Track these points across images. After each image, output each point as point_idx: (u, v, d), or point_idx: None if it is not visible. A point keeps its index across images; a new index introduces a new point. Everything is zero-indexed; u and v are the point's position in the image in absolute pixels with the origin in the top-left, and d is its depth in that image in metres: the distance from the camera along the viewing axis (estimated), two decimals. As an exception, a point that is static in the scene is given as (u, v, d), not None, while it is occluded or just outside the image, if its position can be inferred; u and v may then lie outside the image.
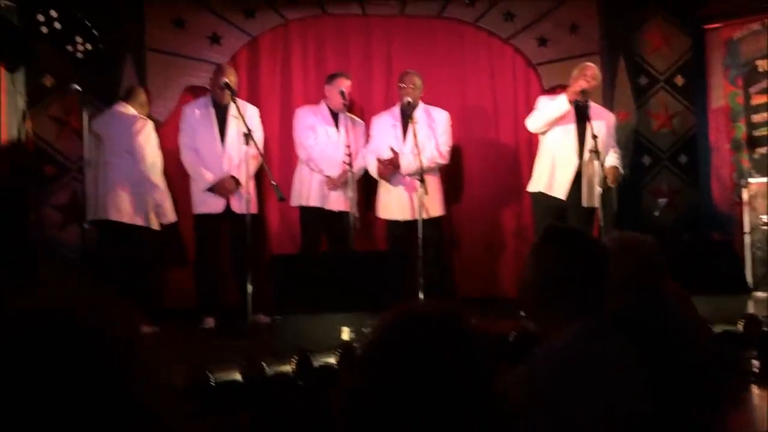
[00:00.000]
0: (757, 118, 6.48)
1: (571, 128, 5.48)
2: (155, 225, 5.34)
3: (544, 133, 5.56)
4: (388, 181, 5.59)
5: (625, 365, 1.92)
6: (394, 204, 5.66)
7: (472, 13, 6.35)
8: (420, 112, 5.67)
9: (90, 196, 5.30)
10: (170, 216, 5.43)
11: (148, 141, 5.31)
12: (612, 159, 5.49)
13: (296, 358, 3.72)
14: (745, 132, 6.54)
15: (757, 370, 3.98)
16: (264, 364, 3.65)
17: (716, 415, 2.49)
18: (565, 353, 1.87)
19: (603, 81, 6.34)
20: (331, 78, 5.71)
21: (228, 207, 5.41)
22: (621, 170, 5.56)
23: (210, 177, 5.38)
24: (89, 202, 5.30)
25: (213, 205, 5.42)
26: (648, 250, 2.40)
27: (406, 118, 5.56)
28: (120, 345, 0.83)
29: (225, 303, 5.56)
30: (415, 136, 5.38)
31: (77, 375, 0.78)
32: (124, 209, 5.19)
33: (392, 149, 5.54)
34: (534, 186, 5.64)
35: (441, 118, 5.74)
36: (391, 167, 5.56)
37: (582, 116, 5.42)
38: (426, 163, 5.35)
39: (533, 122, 5.54)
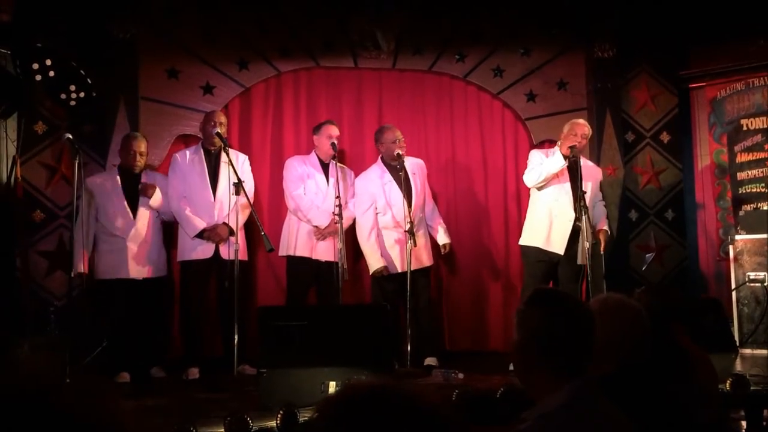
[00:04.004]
0: (742, 175, 6.59)
1: (566, 184, 5.54)
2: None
3: (540, 188, 5.61)
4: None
5: (617, 430, 1.91)
6: (388, 257, 5.64)
7: (462, 68, 6.46)
8: (409, 164, 5.70)
9: None
10: None
11: None
12: (603, 222, 5.59)
13: (282, 412, 3.67)
14: (730, 189, 6.64)
15: (744, 431, 3.96)
16: (248, 419, 3.59)
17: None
18: (558, 417, 1.85)
19: (590, 137, 6.45)
20: (318, 127, 5.76)
21: (216, 253, 5.39)
22: (609, 232, 5.69)
23: (201, 224, 5.37)
24: None
25: (201, 251, 5.40)
26: (630, 313, 2.37)
27: (398, 171, 5.53)
28: (92, 425, 0.82)
29: (210, 353, 5.52)
30: (412, 188, 5.53)
31: None
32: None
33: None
34: (528, 240, 5.65)
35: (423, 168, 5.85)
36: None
37: (574, 172, 5.49)
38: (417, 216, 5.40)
39: (532, 178, 5.58)
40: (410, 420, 1.09)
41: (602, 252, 5.43)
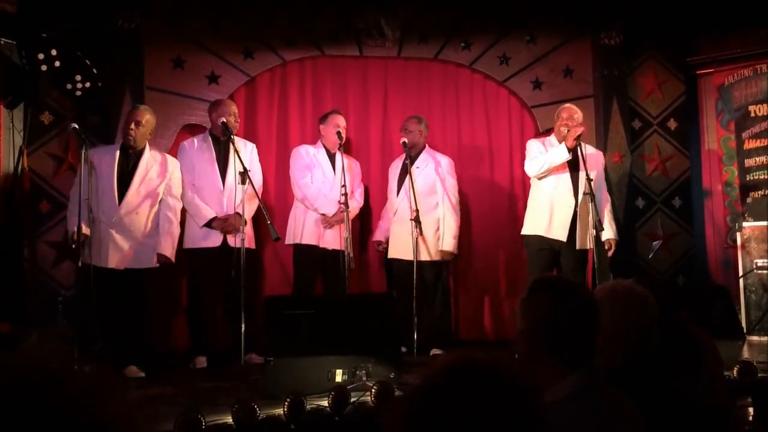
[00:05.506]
0: (749, 162, 6.54)
1: (565, 173, 5.53)
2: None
3: (540, 178, 5.60)
4: None
5: (625, 419, 1.90)
6: (400, 244, 5.67)
7: (467, 56, 6.43)
8: (422, 157, 5.77)
9: None
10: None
11: None
12: (609, 232, 5.53)
13: (289, 400, 3.68)
14: (737, 176, 6.60)
15: (751, 418, 3.95)
16: (256, 407, 3.60)
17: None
18: (565, 407, 1.84)
19: (597, 124, 6.44)
20: (325, 117, 5.77)
21: (225, 242, 5.36)
22: (617, 238, 5.64)
23: (210, 213, 5.35)
24: None
25: (211, 240, 5.38)
26: (637, 301, 2.34)
27: (405, 162, 5.66)
28: (97, 424, 0.82)
29: (218, 342, 5.53)
30: (412, 181, 5.50)
31: None
32: None
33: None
34: (530, 229, 5.65)
35: (444, 163, 5.85)
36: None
37: (575, 158, 5.47)
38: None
39: (534, 167, 5.58)
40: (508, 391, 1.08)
41: (609, 256, 5.44)
